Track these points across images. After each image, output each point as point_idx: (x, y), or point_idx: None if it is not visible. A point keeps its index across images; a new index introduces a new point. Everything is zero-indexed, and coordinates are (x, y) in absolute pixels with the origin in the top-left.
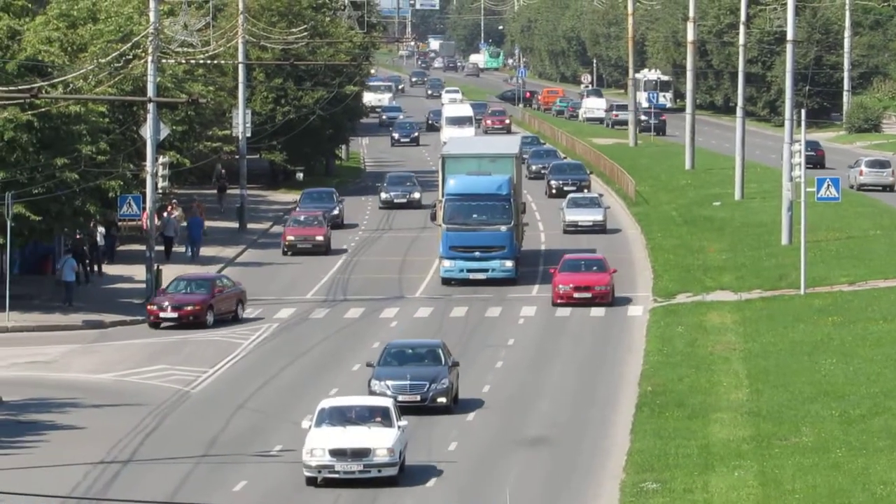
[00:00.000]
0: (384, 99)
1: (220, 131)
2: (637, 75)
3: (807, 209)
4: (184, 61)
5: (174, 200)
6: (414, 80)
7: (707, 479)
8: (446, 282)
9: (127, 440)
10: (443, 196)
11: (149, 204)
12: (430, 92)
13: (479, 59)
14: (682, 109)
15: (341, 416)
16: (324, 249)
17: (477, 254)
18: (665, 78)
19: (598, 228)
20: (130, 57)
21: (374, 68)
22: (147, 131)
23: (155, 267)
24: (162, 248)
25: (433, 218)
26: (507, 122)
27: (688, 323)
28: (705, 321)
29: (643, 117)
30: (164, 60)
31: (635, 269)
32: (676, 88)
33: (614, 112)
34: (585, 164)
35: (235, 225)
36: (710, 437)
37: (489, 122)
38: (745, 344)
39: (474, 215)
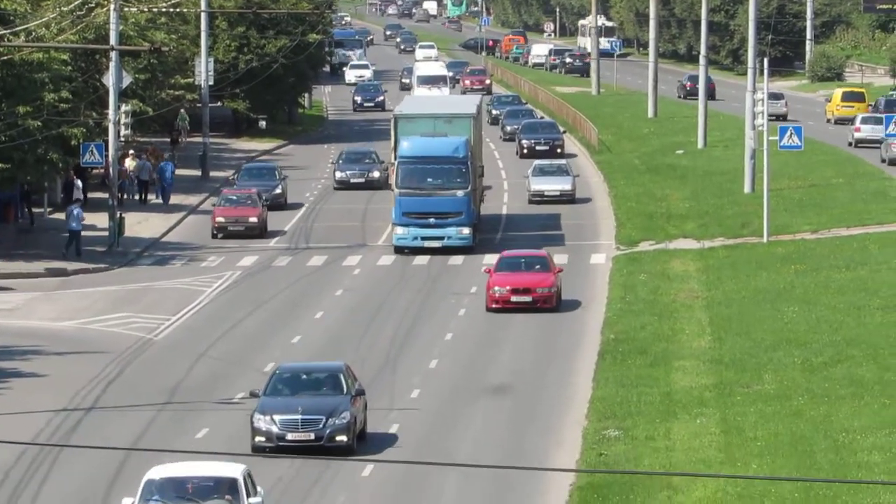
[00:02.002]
0: (354, 55)
1: (182, 79)
2: (583, 21)
3: (769, 157)
4: (146, 10)
5: (150, 147)
6: (388, 33)
7: (669, 427)
8: (399, 250)
9: (89, 388)
10: (395, 159)
11: (111, 152)
12: (402, 47)
13: (433, 5)
14: (627, 55)
15: (174, 493)
16: (258, 232)
17: (432, 220)
18: (609, 24)
19: (566, 198)
20: (93, 5)
21: (345, 19)
22: (109, 79)
23: (117, 215)
24: (132, 195)
25: (385, 181)
26: (488, 82)
27: (650, 271)
28: (668, 269)
29: (568, 60)
30: (126, 8)
31: (598, 218)
32: (622, 34)
33: (552, 57)
34: (558, 122)
35: (198, 173)
36: (672, 385)
37: (468, 81)
38: (708, 292)
39: (429, 179)
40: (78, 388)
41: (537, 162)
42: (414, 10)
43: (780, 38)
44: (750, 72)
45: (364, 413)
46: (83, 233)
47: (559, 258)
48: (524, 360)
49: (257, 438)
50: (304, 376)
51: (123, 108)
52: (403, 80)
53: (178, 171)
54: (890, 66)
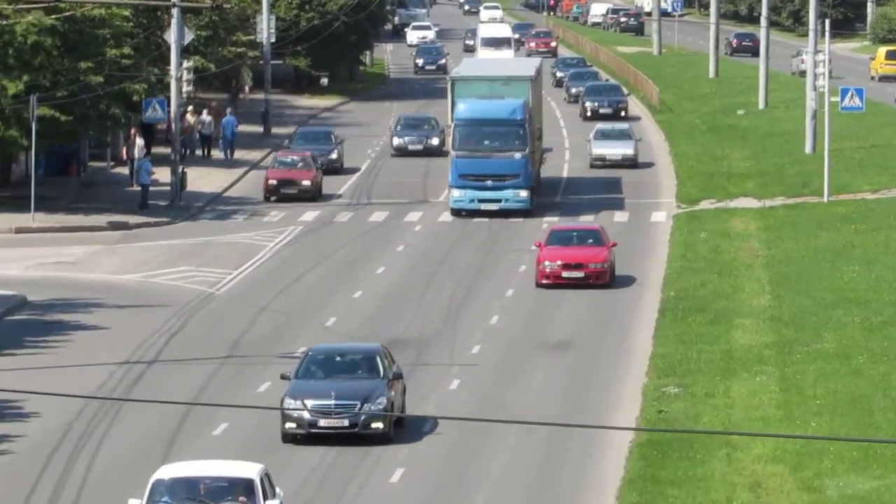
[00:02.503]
0: (427, 37)
1: (244, 37)
2: None
3: (831, 118)
4: None
5: (213, 103)
6: None
7: (729, 385)
8: (456, 213)
9: (151, 341)
10: (452, 121)
11: (173, 108)
12: (467, 7)
13: None
14: (685, 15)
15: (185, 494)
16: (311, 195)
17: (489, 182)
18: None
19: (629, 163)
20: None
21: None
22: (171, 36)
23: (180, 169)
24: (195, 150)
25: (442, 144)
26: (554, 44)
27: (711, 229)
28: (728, 227)
29: (623, 19)
30: None
31: (659, 176)
32: None
33: (609, 16)
34: (622, 84)
35: (260, 129)
36: (731, 343)
37: (533, 44)
38: (768, 250)
39: (486, 141)
40: (140, 342)
41: (599, 125)
42: None
43: (841, 0)
44: (811, 33)
45: (402, 397)
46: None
47: (620, 216)
48: (584, 316)
49: (287, 425)
50: (339, 358)
51: (185, 64)
52: (467, 42)
53: (241, 128)
54: None
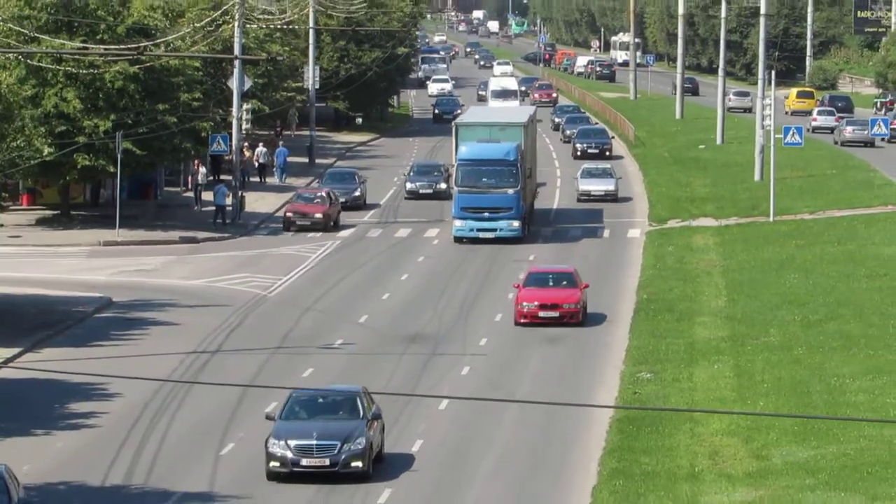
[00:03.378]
0: (439, 70)
1: (293, 83)
2: (613, 38)
3: (775, 152)
4: (264, 26)
5: (269, 137)
6: (468, 49)
7: (692, 371)
8: (458, 240)
9: (215, 334)
10: (455, 161)
11: (234, 142)
12: (482, 63)
13: (495, 24)
14: (644, 65)
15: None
16: (321, 227)
17: (486, 214)
18: (637, 40)
19: (610, 198)
20: (220, 22)
21: (430, 37)
22: (234, 83)
23: (240, 194)
24: (253, 178)
25: (446, 181)
26: (555, 95)
27: (677, 244)
28: (691, 242)
29: (597, 68)
30: (248, 25)
31: (634, 200)
32: (654, 49)
33: (589, 66)
34: (602, 122)
35: (306, 160)
36: (694, 337)
37: (537, 95)
38: (724, 261)
39: (484, 179)
40: (205, 335)
41: (585, 165)
42: (480, 28)
43: (785, 55)
44: (760, 82)
45: (381, 436)
46: (210, 208)
47: (603, 232)
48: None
49: (272, 464)
50: (321, 400)
51: (245, 106)
52: (480, 93)
53: (290, 159)
54: (875, 78)
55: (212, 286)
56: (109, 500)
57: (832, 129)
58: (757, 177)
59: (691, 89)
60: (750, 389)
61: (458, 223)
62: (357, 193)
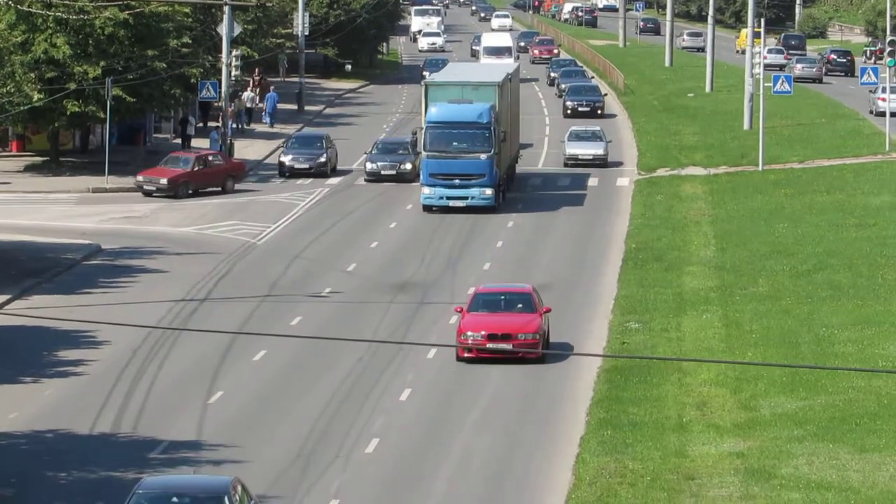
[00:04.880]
0: (433, 23)
1: (283, 30)
2: None
3: (765, 100)
4: None
5: (256, 78)
6: (462, 0)
7: (680, 321)
8: (427, 209)
9: (203, 282)
10: (424, 124)
11: (224, 88)
12: (482, 15)
13: None
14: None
15: None
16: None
17: (457, 181)
18: None
19: (599, 162)
20: None
21: None
22: (223, 29)
23: (228, 140)
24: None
25: (414, 146)
26: (556, 51)
27: (666, 192)
28: (680, 191)
29: (579, 14)
30: None
31: (623, 148)
32: None
33: (573, 12)
34: (591, 69)
35: (295, 107)
36: (682, 287)
37: (536, 51)
38: (713, 210)
39: (454, 143)
40: (194, 283)
41: (573, 127)
42: None
43: (775, 2)
44: (749, 29)
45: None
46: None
47: (591, 181)
48: (561, 263)
49: None
50: (175, 500)
51: (234, 52)
52: (474, 48)
53: (279, 105)
54: (864, 27)
55: (201, 234)
56: (98, 448)
57: (781, 67)
58: (746, 125)
59: (652, 28)
60: (738, 340)
61: (426, 190)
62: (322, 159)
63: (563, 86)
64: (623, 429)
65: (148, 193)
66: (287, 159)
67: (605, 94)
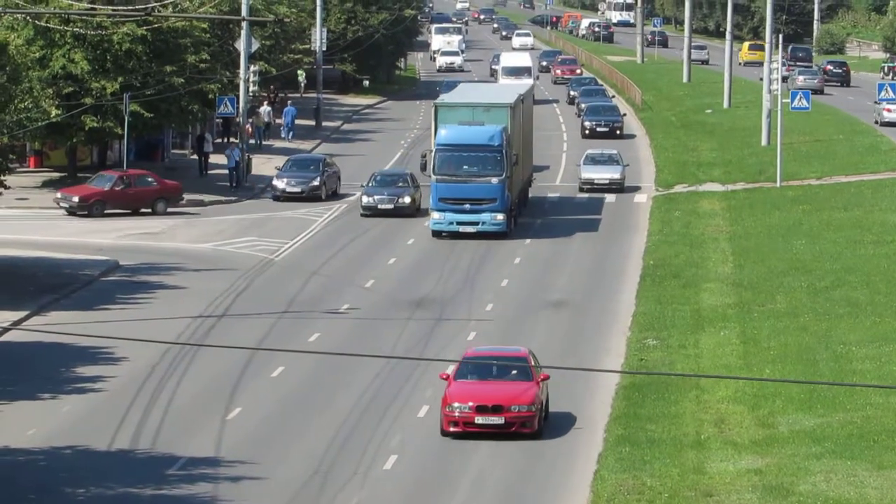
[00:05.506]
0: (453, 42)
1: (300, 45)
2: None
3: (783, 116)
4: None
5: (271, 94)
6: (482, 17)
7: (698, 338)
8: (436, 234)
9: (222, 298)
10: (433, 146)
11: (241, 104)
12: (504, 33)
13: None
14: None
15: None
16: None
17: (467, 206)
18: (629, 1)
19: (616, 187)
20: None
21: (458, 4)
22: (241, 45)
23: (246, 156)
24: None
25: (423, 168)
26: (579, 71)
27: (684, 209)
28: (698, 207)
29: (595, 30)
30: None
31: (640, 165)
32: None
33: (590, 28)
34: (617, 94)
35: (313, 122)
36: (700, 303)
37: (559, 71)
38: (731, 227)
39: (465, 166)
40: (212, 299)
41: (589, 151)
42: None
43: (793, 18)
44: (767, 45)
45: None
46: (216, 171)
47: (609, 197)
48: (579, 280)
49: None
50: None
51: (252, 68)
52: (493, 67)
53: (296, 121)
54: (882, 42)
55: (218, 250)
56: (115, 465)
57: (785, 79)
58: (764, 141)
59: (661, 42)
60: (756, 356)
61: (435, 215)
62: (315, 183)
63: (582, 105)
64: (641, 446)
65: (69, 211)
66: (279, 183)
67: (625, 115)
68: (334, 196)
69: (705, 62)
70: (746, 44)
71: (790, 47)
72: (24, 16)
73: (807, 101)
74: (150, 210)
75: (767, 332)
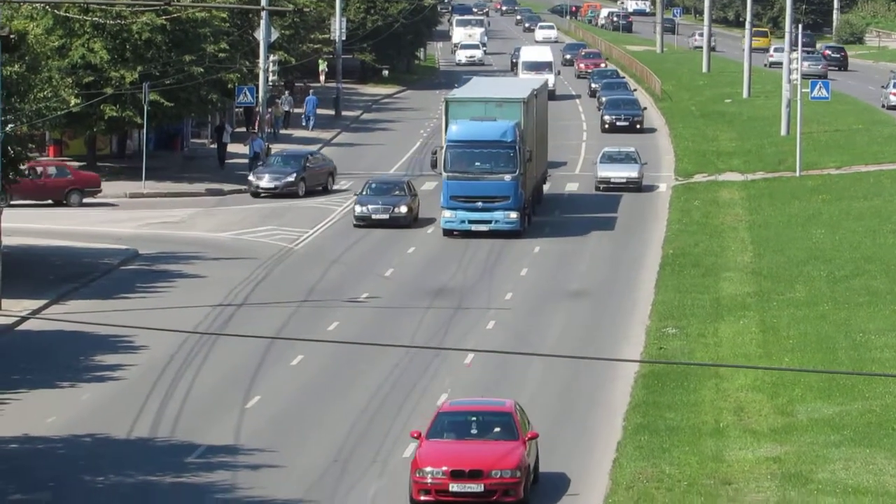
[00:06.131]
0: (475, 34)
1: (320, 35)
2: None
3: (802, 106)
4: None
5: (298, 85)
6: (504, 8)
7: (717, 326)
8: (448, 233)
9: (241, 287)
10: (444, 142)
11: (261, 94)
12: (527, 25)
13: None
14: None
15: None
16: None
17: (479, 204)
18: None
19: (633, 186)
20: None
21: None
22: (260, 34)
23: (265, 145)
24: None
25: (433, 165)
26: (603, 65)
27: (703, 198)
28: (717, 197)
29: (614, 19)
30: None
31: (660, 154)
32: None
33: (609, 17)
34: (629, 76)
35: (332, 112)
36: (720, 292)
37: (582, 65)
38: (750, 216)
39: (476, 163)
40: (231, 288)
41: (606, 148)
42: None
43: (812, 8)
44: (787, 35)
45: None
46: (236, 160)
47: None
48: (599, 269)
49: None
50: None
51: (271, 58)
52: (513, 61)
53: (317, 111)
54: None
55: (238, 239)
56: (135, 453)
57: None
58: (783, 131)
59: (670, 29)
60: (775, 345)
61: (447, 214)
62: (290, 179)
63: (602, 99)
64: (660, 434)
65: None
66: (254, 179)
67: (645, 108)
68: (324, 192)
69: (713, 49)
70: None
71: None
72: (43, 5)
73: (826, 90)
74: (63, 201)
75: (787, 321)
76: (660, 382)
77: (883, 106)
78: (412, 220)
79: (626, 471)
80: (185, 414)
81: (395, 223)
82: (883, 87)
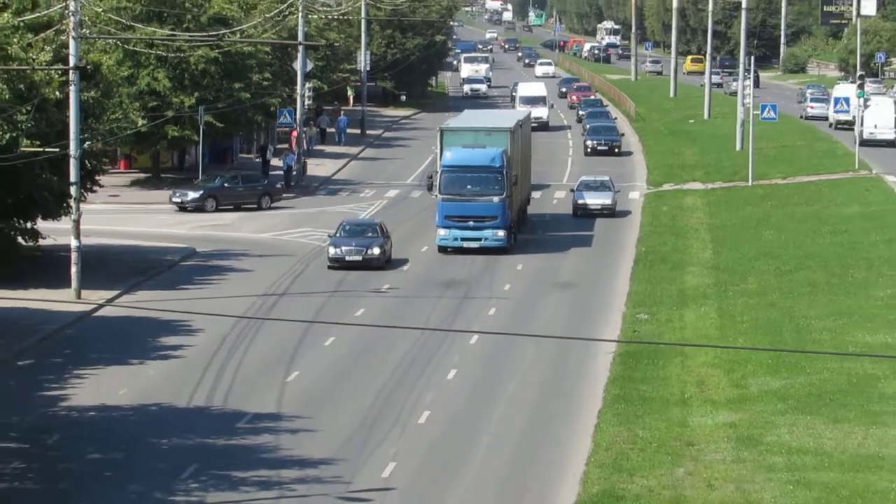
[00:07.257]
0: (481, 70)
1: (348, 66)
2: (599, 25)
3: (754, 126)
4: (324, 16)
5: (330, 107)
6: (507, 46)
7: (682, 313)
8: (442, 249)
9: (282, 279)
10: (439, 168)
11: (298, 115)
12: (527, 61)
13: (509, 15)
14: (626, 48)
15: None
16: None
17: (471, 223)
18: (616, 27)
19: (608, 212)
20: (286, 13)
21: (487, 34)
22: (298, 65)
23: (302, 160)
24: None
25: (430, 189)
26: (593, 96)
27: (671, 204)
28: (683, 203)
29: (596, 52)
30: (309, 15)
31: (635, 166)
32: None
33: (592, 51)
34: (607, 99)
35: (358, 131)
36: (684, 284)
37: (574, 97)
38: (710, 219)
39: (468, 186)
40: (274, 280)
41: (583, 177)
42: (495, 17)
43: (763, 42)
44: (741, 65)
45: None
46: (277, 172)
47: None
48: (583, 265)
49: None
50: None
51: (307, 85)
52: (513, 94)
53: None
54: (838, 63)
55: (278, 239)
56: (193, 419)
57: (720, 85)
58: (738, 147)
59: (625, 56)
60: (731, 328)
61: (441, 232)
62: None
63: (587, 125)
64: (634, 403)
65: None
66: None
67: (623, 134)
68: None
69: (659, 73)
70: (689, 57)
71: (718, 58)
72: (114, 41)
73: (774, 112)
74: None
75: (741, 308)
76: (634, 360)
77: (801, 117)
78: (384, 263)
79: (606, 434)
80: (236, 386)
81: (367, 265)
82: (799, 101)
